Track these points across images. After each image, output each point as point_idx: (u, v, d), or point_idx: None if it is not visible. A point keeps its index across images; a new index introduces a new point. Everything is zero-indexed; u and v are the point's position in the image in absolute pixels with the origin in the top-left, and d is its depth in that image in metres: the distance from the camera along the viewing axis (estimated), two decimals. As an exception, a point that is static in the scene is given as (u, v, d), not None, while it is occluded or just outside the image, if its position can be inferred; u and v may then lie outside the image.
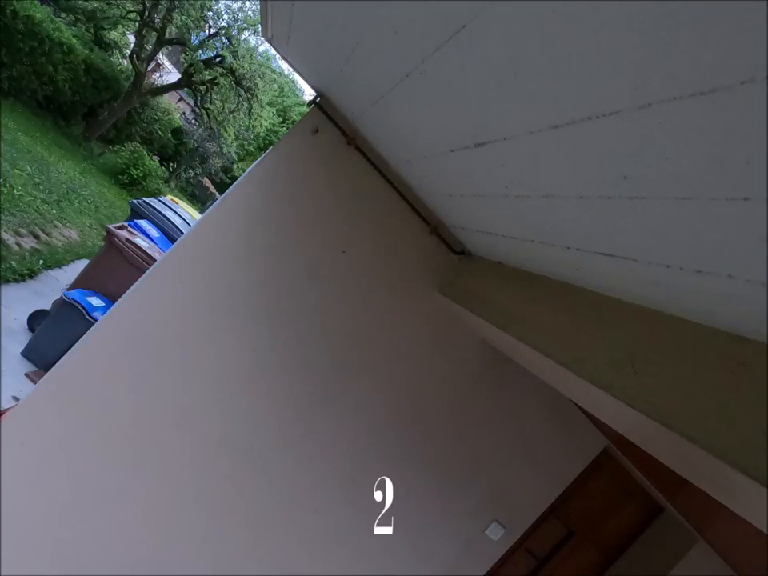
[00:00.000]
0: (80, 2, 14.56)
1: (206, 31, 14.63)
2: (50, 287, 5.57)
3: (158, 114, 16.19)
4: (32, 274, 5.50)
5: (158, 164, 15.65)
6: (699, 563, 2.84)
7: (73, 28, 13.41)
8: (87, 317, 3.99)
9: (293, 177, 2.27)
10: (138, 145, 14.09)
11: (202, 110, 16.07)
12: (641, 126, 0.66)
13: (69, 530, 2.27)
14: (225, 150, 18.15)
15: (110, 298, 4.29)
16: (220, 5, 14.24)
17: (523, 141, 0.95)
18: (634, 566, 3.02)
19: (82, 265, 6.05)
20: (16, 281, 5.17)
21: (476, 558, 2.80)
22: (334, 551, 2.60)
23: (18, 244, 5.72)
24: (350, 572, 2.63)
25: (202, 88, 15.27)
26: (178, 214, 5.90)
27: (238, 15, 14.10)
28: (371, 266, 2.39)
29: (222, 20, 14.36)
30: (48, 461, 2.22)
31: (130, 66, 14.42)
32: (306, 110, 3.01)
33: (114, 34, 16.22)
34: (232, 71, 14.19)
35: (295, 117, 24.79)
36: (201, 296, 2.25)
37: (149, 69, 14.73)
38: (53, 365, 2.24)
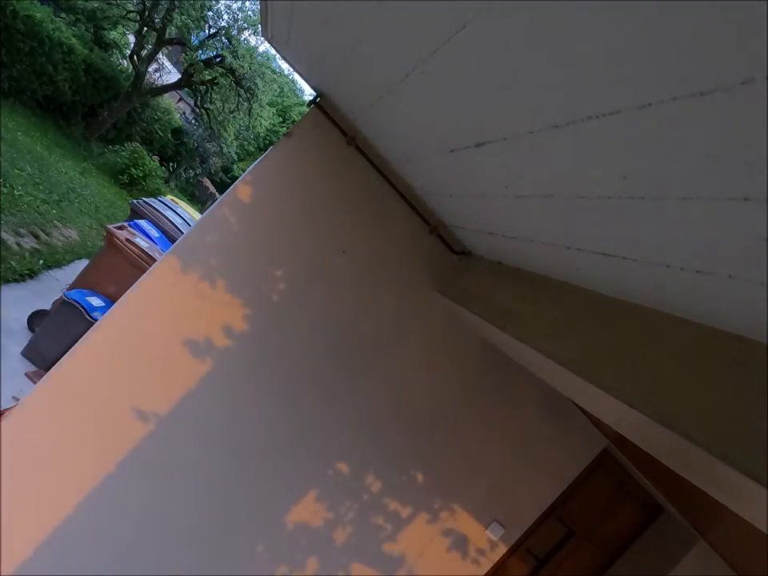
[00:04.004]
0: (80, 2, 14.55)
1: (206, 31, 14.63)
2: (50, 287, 5.56)
3: (158, 113, 16.17)
4: (32, 274, 5.49)
5: (158, 164, 15.64)
6: (699, 563, 2.84)
7: (73, 28, 13.40)
8: (87, 317, 3.98)
9: (292, 177, 2.27)
10: (138, 145, 14.06)
11: (202, 109, 16.07)
12: (641, 126, 0.66)
13: (68, 529, 2.27)
14: (225, 150, 18.16)
15: (110, 298, 4.29)
16: (220, 5, 14.25)
17: (523, 141, 0.95)
18: (634, 566, 3.02)
19: (81, 265, 6.04)
20: (16, 281, 5.16)
21: (476, 557, 2.80)
22: (333, 550, 2.60)
23: (18, 244, 5.71)
24: (351, 571, 2.63)
25: (202, 88, 15.27)
26: (178, 214, 5.88)
27: (237, 15, 14.10)
28: (371, 265, 2.39)
29: (222, 20, 14.37)
30: (48, 460, 2.22)
31: (130, 66, 14.42)
32: (306, 109, 3.00)
33: (114, 34, 16.20)
34: (232, 71, 14.19)
35: (295, 117, 24.81)
36: (200, 295, 2.25)
37: (149, 69, 14.72)
38: (53, 365, 2.24)
